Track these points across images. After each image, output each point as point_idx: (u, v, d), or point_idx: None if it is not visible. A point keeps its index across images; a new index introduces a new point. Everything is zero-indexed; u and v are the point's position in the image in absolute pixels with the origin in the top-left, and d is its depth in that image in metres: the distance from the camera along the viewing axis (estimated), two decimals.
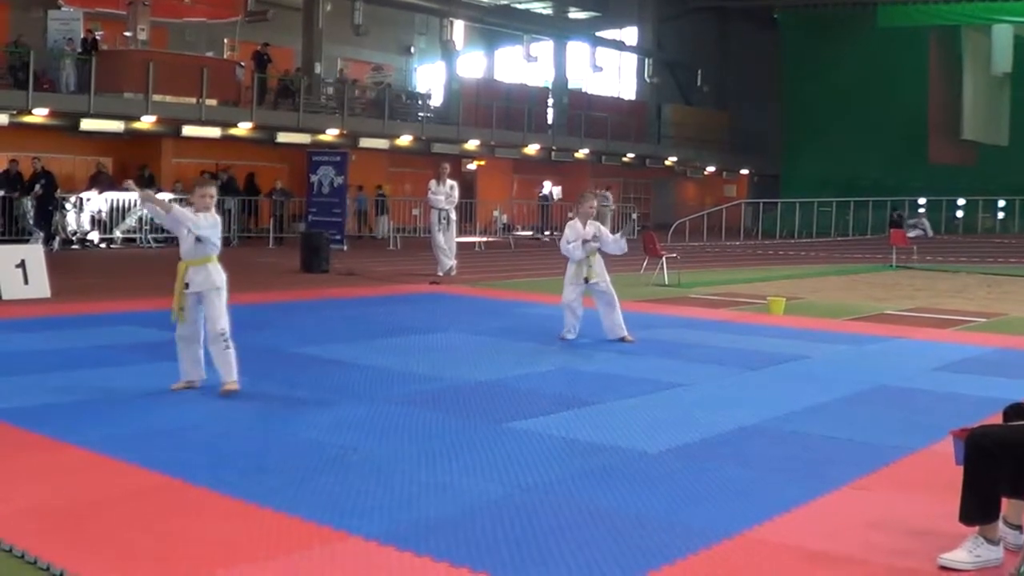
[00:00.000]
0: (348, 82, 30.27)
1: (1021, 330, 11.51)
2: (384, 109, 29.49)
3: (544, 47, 39.35)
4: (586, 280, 9.92)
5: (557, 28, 39.23)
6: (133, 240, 22.79)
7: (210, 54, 28.43)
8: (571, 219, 10.40)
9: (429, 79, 37.68)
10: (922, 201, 35.78)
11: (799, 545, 4.28)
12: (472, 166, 35.38)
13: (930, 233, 34.15)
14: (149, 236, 22.89)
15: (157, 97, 23.79)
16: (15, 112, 22.28)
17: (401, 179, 30.79)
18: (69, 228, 21.93)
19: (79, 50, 23.70)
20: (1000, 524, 4.14)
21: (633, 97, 43.10)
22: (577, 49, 40.30)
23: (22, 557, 3.90)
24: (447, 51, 35.85)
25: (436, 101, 34.91)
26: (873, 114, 37.75)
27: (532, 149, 34.58)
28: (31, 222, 21.11)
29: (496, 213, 32.05)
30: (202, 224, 6.95)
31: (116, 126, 24.03)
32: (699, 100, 44.76)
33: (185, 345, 7.10)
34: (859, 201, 35.38)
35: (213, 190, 7.25)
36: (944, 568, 4.02)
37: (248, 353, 8.75)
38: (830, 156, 38.40)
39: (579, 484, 5.06)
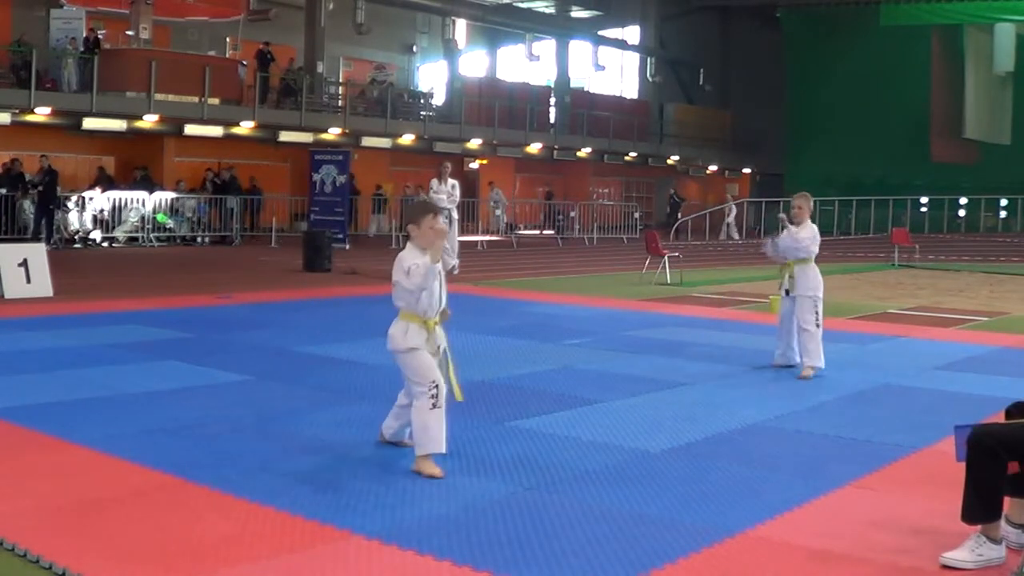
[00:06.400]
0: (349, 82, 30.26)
1: (1023, 329, 11.50)
2: (386, 108, 29.50)
3: (546, 46, 39.35)
4: (787, 292, 8.59)
5: (559, 27, 39.22)
6: (135, 239, 22.80)
7: (212, 53, 28.47)
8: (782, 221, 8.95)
9: (431, 78, 37.69)
10: (924, 200, 35.77)
11: (801, 544, 4.28)
12: (474, 165, 35.38)
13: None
14: (151, 235, 22.90)
15: (159, 96, 23.81)
16: (17, 111, 22.30)
17: (403, 178, 30.77)
18: (71, 227, 21.94)
19: (81, 49, 23.73)
20: (1002, 523, 4.14)
21: (635, 96, 43.08)
22: (579, 48, 40.30)
23: (24, 556, 3.91)
24: (449, 50, 35.86)
25: (438, 100, 34.91)
26: (875, 113, 37.73)
27: (534, 148, 34.58)
28: (33, 221, 21.11)
29: (499, 212, 32.00)
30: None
31: (118, 125, 24.06)
32: (701, 99, 44.74)
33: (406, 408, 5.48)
34: (861, 200, 35.36)
35: (443, 223, 5.37)
36: (946, 567, 4.02)
37: (250, 352, 8.77)
38: (833, 155, 38.37)
39: (581, 483, 5.06)
